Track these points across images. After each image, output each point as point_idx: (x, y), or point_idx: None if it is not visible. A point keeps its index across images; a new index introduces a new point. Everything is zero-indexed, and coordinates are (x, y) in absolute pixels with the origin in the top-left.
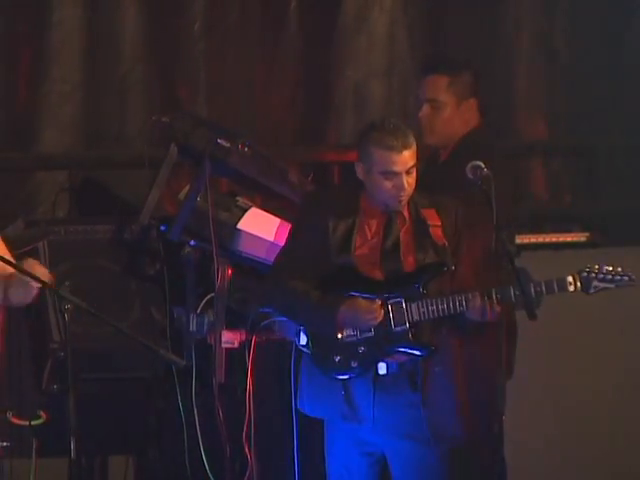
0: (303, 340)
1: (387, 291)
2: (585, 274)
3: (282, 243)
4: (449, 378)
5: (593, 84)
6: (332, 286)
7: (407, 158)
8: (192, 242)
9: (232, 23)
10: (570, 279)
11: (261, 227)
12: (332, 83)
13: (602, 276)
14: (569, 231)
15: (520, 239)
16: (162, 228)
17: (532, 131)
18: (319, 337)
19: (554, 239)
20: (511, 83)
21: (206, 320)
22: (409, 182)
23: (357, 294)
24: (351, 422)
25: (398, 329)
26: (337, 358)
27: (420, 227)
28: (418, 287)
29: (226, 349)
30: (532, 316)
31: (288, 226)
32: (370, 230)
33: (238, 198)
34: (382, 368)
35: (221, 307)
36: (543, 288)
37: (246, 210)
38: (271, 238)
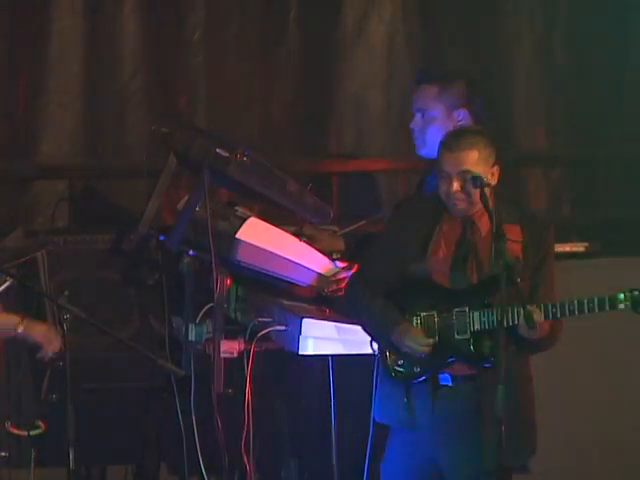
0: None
1: (454, 300)
2: (637, 292)
3: (281, 253)
4: (514, 397)
5: (592, 95)
6: (404, 290)
7: (459, 160)
8: (191, 252)
9: (231, 34)
10: (622, 297)
11: (260, 237)
12: (331, 94)
13: None
14: (568, 241)
15: None
16: (161, 238)
17: (531, 141)
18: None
19: None
20: (510, 94)
21: (205, 330)
22: (463, 186)
23: (424, 302)
24: (409, 429)
25: (460, 337)
26: (400, 362)
27: (497, 241)
28: (484, 297)
29: (225, 359)
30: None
31: (287, 236)
32: (446, 239)
33: (237, 208)
34: (445, 379)
35: (220, 317)
36: (596, 305)
37: (245, 220)
38: (270, 248)
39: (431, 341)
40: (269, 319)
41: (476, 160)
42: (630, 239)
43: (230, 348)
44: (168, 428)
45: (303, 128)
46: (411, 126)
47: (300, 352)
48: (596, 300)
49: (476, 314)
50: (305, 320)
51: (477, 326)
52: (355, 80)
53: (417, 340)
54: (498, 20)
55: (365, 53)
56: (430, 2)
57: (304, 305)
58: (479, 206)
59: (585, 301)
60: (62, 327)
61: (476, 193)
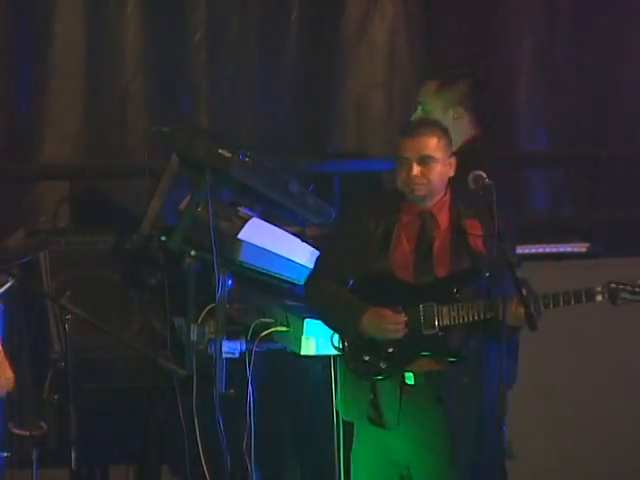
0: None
1: (420, 295)
2: (614, 285)
3: (283, 253)
4: (476, 390)
5: (593, 95)
6: (367, 288)
7: (419, 145)
8: (193, 252)
9: (233, 34)
10: (598, 289)
11: (262, 237)
12: (333, 93)
13: (631, 288)
14: (569, 241)
15: (521, 249)
16: (163, 238)
17: (532, 142)
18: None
19: (554, 249)
20: (511, 94)
21: (207, 330)
22: (423, 172)
23: (389, 298)
24: (377, 425)
25: (427, 332)
26: (366, 358)
27: (458, 235)
28: (451, 292)
29: (227, 359)
30: (533, 328)
31: (288, 236)
32: (406, 234)
33: (239, 208)
34: (409, 378)
35: (222, 317)
36: (571, 298)
37: (247, 220)
38: (272, 248)
39: (405, 317)
40: (271, 320)
41: (436, 146)
42: (632, 239)
43: (232, 348)
44: (170, 428)
45: (305, 128)
46: (412, 119)
47: (302, 353)
48: (572, 293)
49: (444, 309)
50: (307, 320)
51: (446, 321)
52: (357, 80)
53: (389, 320)
54: (499, 20)
55: (367, 53)
56: (432, 2)
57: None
58: (437, 198)
59: (560, 294)
60: (64, 327)
61: (437, 181)
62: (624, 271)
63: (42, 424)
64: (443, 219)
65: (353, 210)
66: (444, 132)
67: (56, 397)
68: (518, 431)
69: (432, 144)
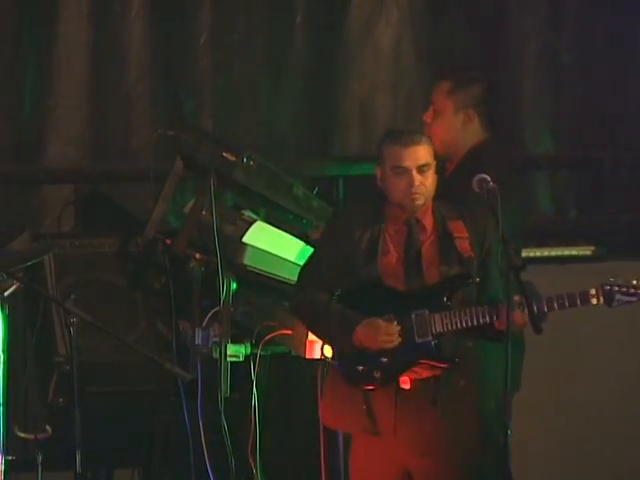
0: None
1: (411, 303)
2: (608, 287)
3: (287, 256)
4: (472, 392)
5: (598, 97)
6: (357, 297)
7: (417, 154)
8: (197, 255)
9: (237, 37)
10: (593, 292)
11: (266, 241)
12: (337, 97)
13: (625, 289)
14: (574, 244)
15: (526, 252)
16: (167, 242)
17: (537, 144)
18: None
19: (559, 252)
20: (516, 97)
21: (211, 333)
22: (422, 181)
23: (379, 307)
24: (372, 435)
25: (421, 341)
26: (360, 367)
27: (445, 239)
28: (442, 299)
29: (231, 362)
30: (538, 330)
31: (293, 240)
32: (393, 241)
33: (243, 212)
34: (405, 382)
35: (226, 320)
36: (566, 301)
37: (251, 224)
38: (276, 252)
39: (399, 327)
40: (275, 323)
41: (429, 153)
42: (636, 243)
43: (236, 352)
44: (175, 431)
45: (309, 131)
46: (424, 119)
47: (307, 356)
48: (566, 296)
49: (437, 316)
50: None
51: (439, 329)
52: (362, 83)
53: (383, 331)
54: (505, 22)
55: (372, 55)
56: (437, 5)
57: None
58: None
59: (554, 297)
60: (69, 330)
61: (432, 189)
62: (628, 274)
63: (47, 427)
64: (428, 222)
65: (335, 219)
66: (429, 138)
67: (61, 400)
68: (518, 433)
69: (426, 152)
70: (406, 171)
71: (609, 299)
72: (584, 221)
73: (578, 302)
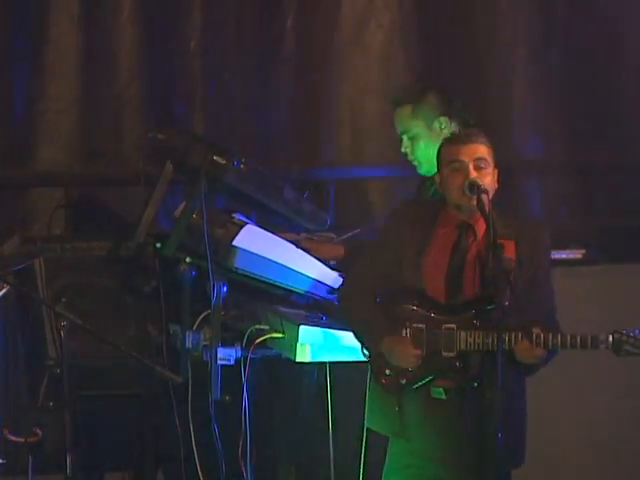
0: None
1: (444, 314)
2: (618, 336)
3: (278, 259)
4: (499, 406)
5: (589, 101)
6: (395, 300)
7: (474, 149)
8: (188, 259)
9: (228, 40)
10: (602, 337)
11: (257, 244)
12: (327, 100)
13: (633, 341)
14: (565, 248)
15: None
16: (158, 245)
17: (528, 148)
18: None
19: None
20: (507, 100)
21: (202, 337)
22: (479, 177)
23: (414, 316)
24: (400, 438)
25: (446, 355)
26: (387, 372)
27: (493, 252)
28: (471, 318)
29: (222, 365)
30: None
31: (284, 242)
32: (442, 245)
33: (234, 215)
34: (437, 393)
35: (217, 324)
36: (578, 343)
37: (242, 227)
38: (267, 255)
39: (419, 352)
40: (266, 326)
41: (486, 151)
42: (628, 246)
43: (227, 355)
44: (165, 435)
45: (300, 135)
46: (402, 150)
47: (297, 359)
48: (579, 338)
49: (463, 334)
50: (302, 327)
51: (462, 346)
52: (352, 86)
53: (404, 353)
54: (495, 26)
55: (362, 59)
56: (427, 9)
57: (301, 312)
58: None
59: (568, 337)
60: (59, 334)
61: (490, 189)
62: (620, 278)
63: (37, 431)
64: (480, 229)
65: (393, 217)
66: (490, 140)
67: (51, 404)
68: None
69: (485, 149)
70: (462, 165)
71: (617, 348)
72: (575, 225)
73: (589, 345)
